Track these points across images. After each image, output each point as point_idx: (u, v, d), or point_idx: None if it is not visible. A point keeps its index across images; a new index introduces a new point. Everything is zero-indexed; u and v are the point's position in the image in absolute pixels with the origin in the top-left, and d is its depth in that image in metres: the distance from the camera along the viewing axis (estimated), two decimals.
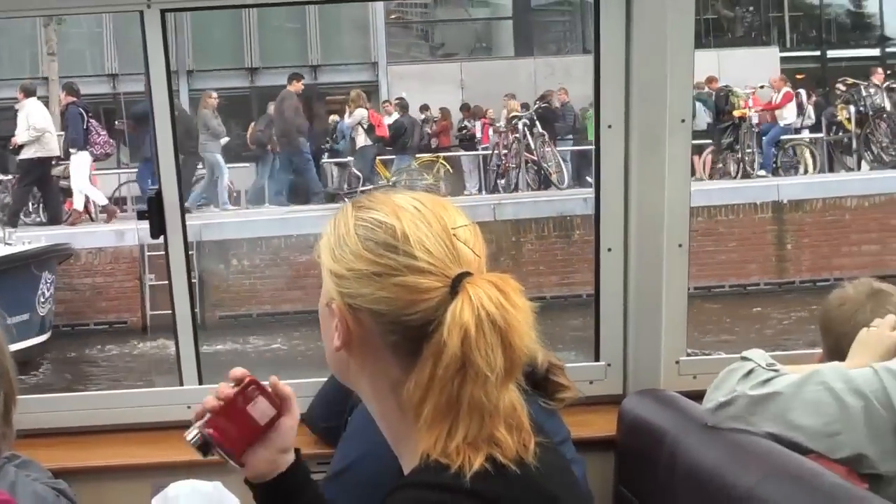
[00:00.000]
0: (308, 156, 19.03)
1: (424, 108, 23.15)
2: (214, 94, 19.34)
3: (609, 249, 2.98)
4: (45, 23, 22.03)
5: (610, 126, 2.92)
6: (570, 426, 2.50)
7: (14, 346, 12.76)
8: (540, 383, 2.41)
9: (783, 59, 28.08)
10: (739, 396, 2.24)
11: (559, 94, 21.60)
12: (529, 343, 1.56)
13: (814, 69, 28.81)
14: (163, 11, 2.98)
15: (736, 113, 20.32)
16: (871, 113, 18.93)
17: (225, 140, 18.88)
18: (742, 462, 2.09)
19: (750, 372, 2.27)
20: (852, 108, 19.40)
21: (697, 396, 2.46)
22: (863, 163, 19.36)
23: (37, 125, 15.59)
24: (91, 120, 16.66)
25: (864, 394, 2.11)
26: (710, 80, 22.18)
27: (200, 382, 3.13)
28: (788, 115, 20.21)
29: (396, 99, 23.26)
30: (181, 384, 3.15)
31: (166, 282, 3.15)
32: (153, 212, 3.10)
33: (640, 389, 2.92)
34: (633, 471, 2.66)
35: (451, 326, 1.52)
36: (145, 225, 3.11)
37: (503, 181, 19.56)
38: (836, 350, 2.59)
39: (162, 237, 3.10)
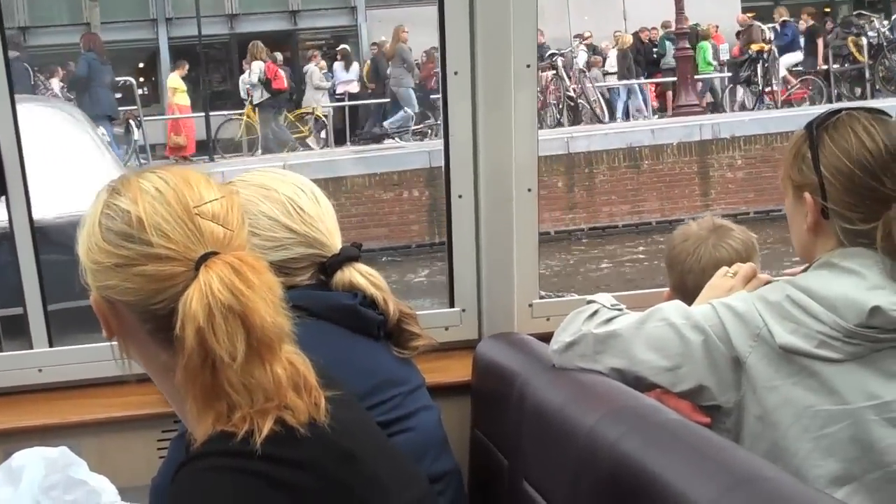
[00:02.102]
0: None
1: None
2: (406, 28, 19.36)
3: (460, 196, 2.98)
4: None
5: (456, 73, 2.91)
6: (427, 372, 2.51)
7: None
8: (392, 332, 2.42)
9: None
10: (585, 335, 2.28)
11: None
12: (277, 318, 1.52)
13: (766, 7, 29.14)
14: None
15: (754, 47, 20.89)
16: (884, 44, 19.74)
17: None
18: (585, 401, 2.13)
19: (595, 312, 2.32)
20: (864, 40, 20.07)
21: (550, 338, 2.50)
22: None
23: None
24: (39, 75, 15.96)
25: (704, 328, 2.17)
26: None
27: (50, 345, 3.06)
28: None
29: (375, 43, 23.18)
30: (31, 347, 3.08)
31: None
32: None
33: (495, 333, 2.95)
34: (486, 414, 2.69)
35: (184, 319, 1.49)
36: None
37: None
38: (681, 285, 2.67)
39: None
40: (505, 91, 2.90)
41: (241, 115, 19.93)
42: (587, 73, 20.41)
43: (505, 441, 2.50)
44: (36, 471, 2.11)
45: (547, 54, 19.98)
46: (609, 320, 2.28)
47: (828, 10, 26.55)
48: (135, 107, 18.70)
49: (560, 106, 19.52)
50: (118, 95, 18.47)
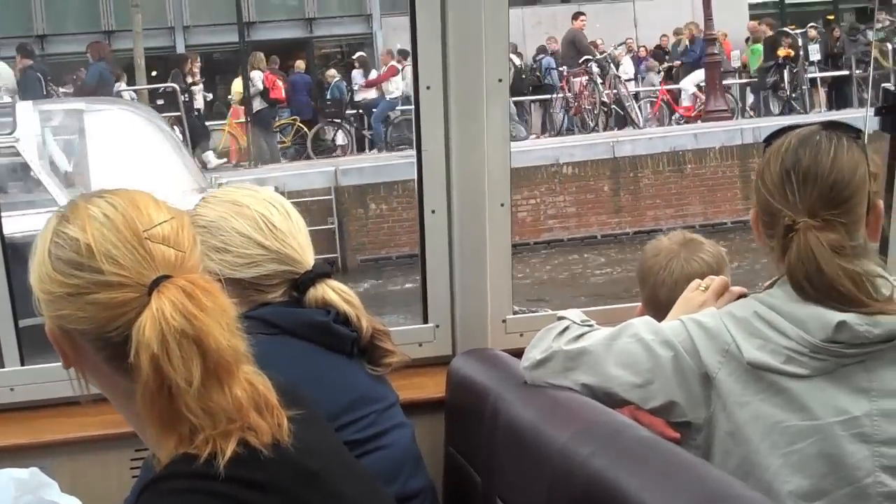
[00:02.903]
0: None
1: None
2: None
3: (433, 211, 2.98)
4: None
5: (428, 87, 2.91)
6: (401, 389, 2.50)
7: None
8: (366, 349, 2.41)
9: (750, 6, 28.74)
10: (556, 352, 2.28)
11: (549, 42, 22.15)
12: (232, 340, 1.51)
13: (774, 14, 29.31)
14: None
15: (780, 52, 21.03)
16: None
17: None
18: (558, 418, 2.13)
19: (565, 329, 2.32)
20: (889, 46, 20.03)
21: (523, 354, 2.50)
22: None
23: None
24: (51, 83, 15.83)
25: (673, 344, 2.17)
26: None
27: (22, 363, 3.03)
28: (394, 89, 20.55)
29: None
30: (2, 366, 3.05)
31: None
32: None
33: (468, 349, 2.95)
34: (460, 431, 2.69)
35: (138, 347, 1.47)
36: None
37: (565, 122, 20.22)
38: (654, 299, 2.68)
39: None
40: (477, 106, 2.90)
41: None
42: (622, 79, 20.56)
43: (478, 458, 2.49)
44: (6, 492, 2.09)
45: (581, 60, 20.10)
46: (579, 337, 2.29)
47: (831, 17, 26.70)
48: (178, 112, 18.62)
49: (595, 112, 19.64)
50: (160, 102, 18.44)
